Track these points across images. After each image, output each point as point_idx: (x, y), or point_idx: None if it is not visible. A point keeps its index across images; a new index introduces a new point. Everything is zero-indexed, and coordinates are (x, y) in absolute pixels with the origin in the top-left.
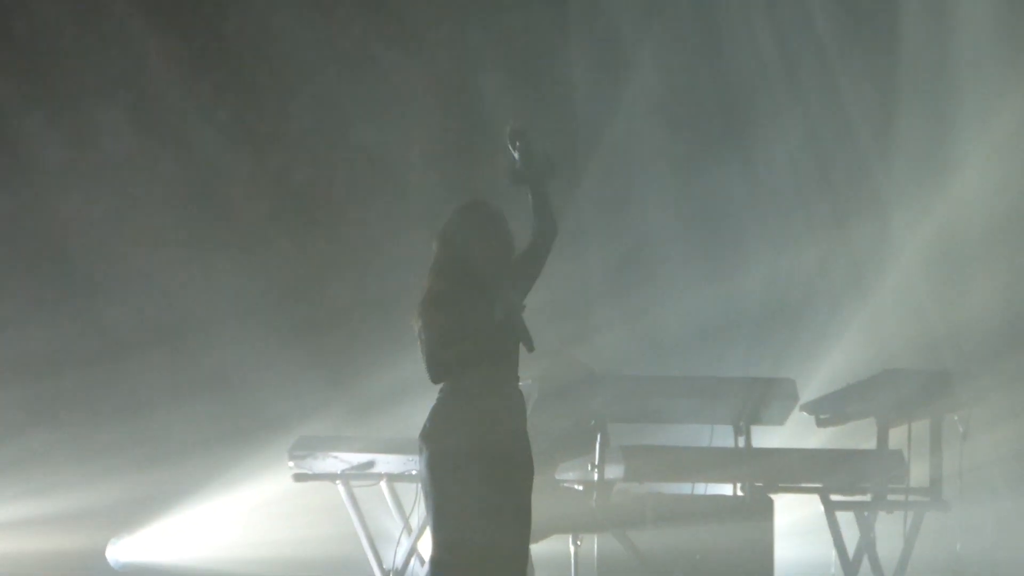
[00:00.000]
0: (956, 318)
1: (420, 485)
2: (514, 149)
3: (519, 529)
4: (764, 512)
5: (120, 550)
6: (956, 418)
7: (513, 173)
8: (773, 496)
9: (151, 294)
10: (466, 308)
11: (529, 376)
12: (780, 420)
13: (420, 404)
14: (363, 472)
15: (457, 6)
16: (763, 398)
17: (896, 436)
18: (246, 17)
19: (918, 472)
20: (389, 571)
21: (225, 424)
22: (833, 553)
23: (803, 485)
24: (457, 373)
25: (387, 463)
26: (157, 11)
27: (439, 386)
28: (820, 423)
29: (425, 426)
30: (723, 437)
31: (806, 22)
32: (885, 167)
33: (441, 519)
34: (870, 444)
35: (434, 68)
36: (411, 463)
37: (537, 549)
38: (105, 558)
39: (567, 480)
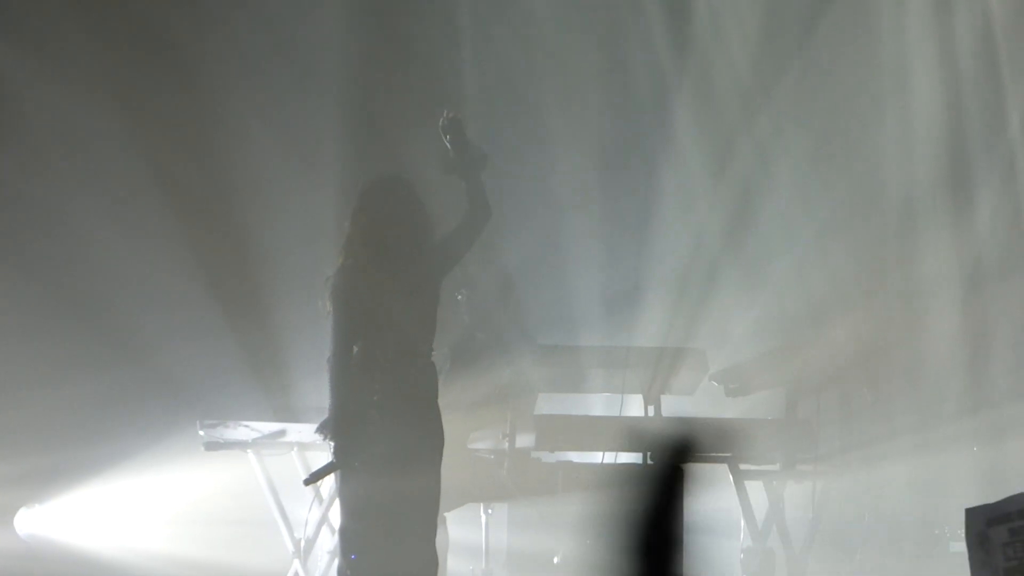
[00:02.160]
0: (868, 287)
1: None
2: (447, 139)
3: (427, 499)
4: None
5: (29, 519)
6: (865, 389)
7: (445, 162)
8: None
9: (66, 265)
10: (375, 289)
11: (444, 346)
12: (690, 389)
13: None
14: (274, 441)
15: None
16: (673, 368)
17: (805, 406)
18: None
19: (826, 441)
20: (300, 539)
21: (136, 394)
22: (743, 521)
23: (712, 455)
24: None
25: (298, 432)
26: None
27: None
28: (730, 392)
29: (334, 403)
30: (633, 406)
31: None
32: (796, 133)
33: (349, 489)
34: (779, 414)
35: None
36: None
37: (450, 516)
38: (12, 526)
39: (479, 449)
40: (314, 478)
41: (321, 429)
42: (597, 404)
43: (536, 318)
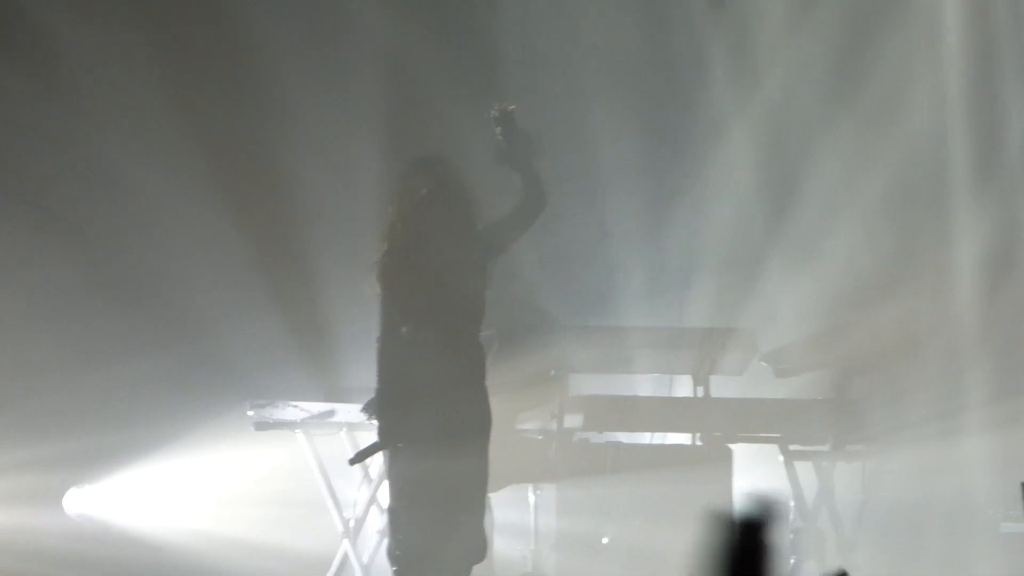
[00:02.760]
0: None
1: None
2: (497, 131)
3: (475, 479)
4: (723, 462)
5: (79, 499)
6: (914, 368)
7: (497, 153)
8: (732, 446)
9: (113, 244)
10: (418, 274)
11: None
12: (739, 370)
13: None
14: (323, 421)
15: None
16: (723, 348)
17: (855, 386)
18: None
19: (876, 422)
20: (350, 519)
21: (186, 374)
22: (792, 503)
23: (762, 435)
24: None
25: (347, 412)
26: None
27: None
28: (779, 373)
29: (379, 385)
30: (683, 387)
31: None
32: (842, 114)
33: (397, 469)
34: (829, 394)
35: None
36: None
37: (497, 497)
38: (61, 505)
39: (527, 430)
40: (359, 458)
41: (367, 408)
42: (646, 385)
43: (585, 299)
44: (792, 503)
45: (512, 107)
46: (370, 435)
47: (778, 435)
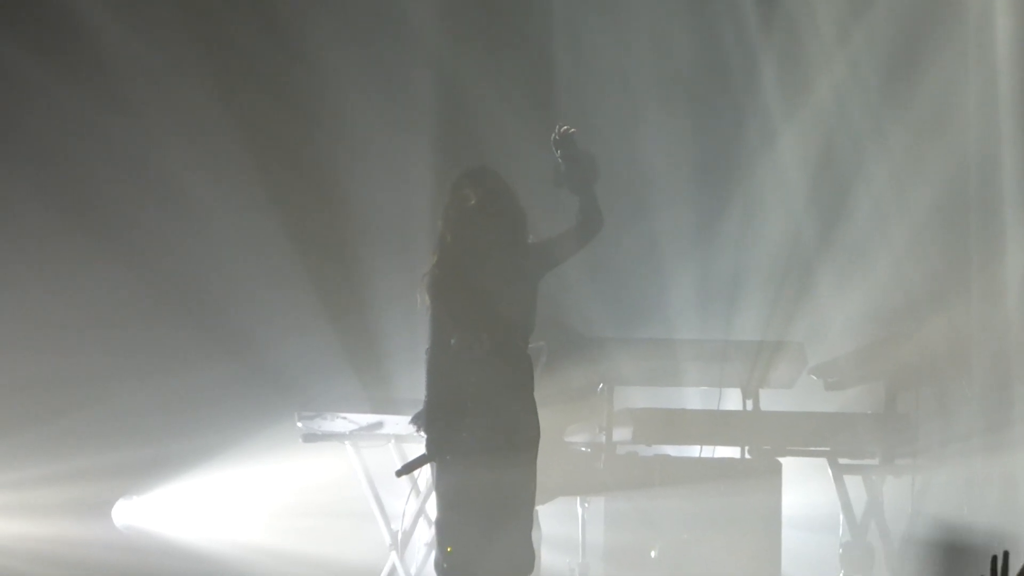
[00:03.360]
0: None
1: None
2: (558, 153)
3: (523, 492)
4: (772, 475)
5: (127, 510)
6: (964, 383)
7: (557, 176)
8: (781, 459)
9: (164, 257)
10: (467, 286)
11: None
12: (789, 383)
13: None
14: (372, 433)
15: None
16: (772, 361)
17: (904, 400)
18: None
19: (925, 436)
20: (397, 532)
21: (234, 386)
22: (841, 516)
23: (811, 449)
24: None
25: (395, 424)
26: None
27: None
28: (829, 386)
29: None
30: (731, 400)
31: None
32: (892, 128)
33: (445, 481)
34: (878, 408)
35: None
36: None
37: (545, 510)
38: (110, 516)
39: (575, 442)
40: (406, 470)
41: (415, 420)
42: (695, 398)
43: (633, 311)
44: (841, 517)
45: (573, 130)
46: (418, 447)
47: (827, 449)
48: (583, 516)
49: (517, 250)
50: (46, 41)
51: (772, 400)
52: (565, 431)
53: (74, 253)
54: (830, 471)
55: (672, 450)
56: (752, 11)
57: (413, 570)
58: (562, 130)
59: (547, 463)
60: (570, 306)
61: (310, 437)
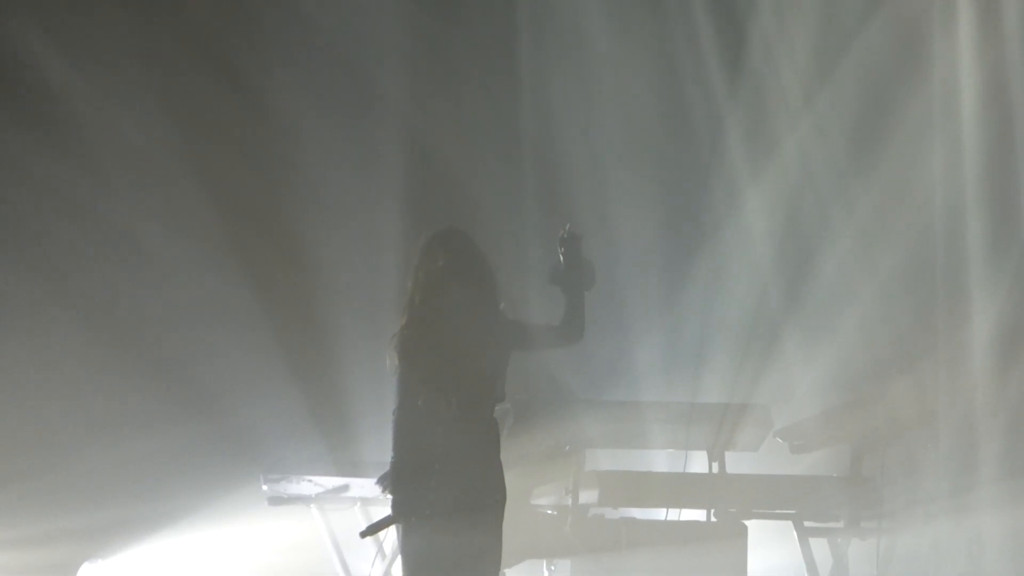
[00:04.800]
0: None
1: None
2: (561, 251)
3: (489, 555)
4: (738, 538)
5: (92, 574)
6: (929, 446)
7: (553, 274)
8: (747, 522)
9: (130, 315)
10: (436, 347)
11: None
12: (754, 446)
13: None
14: (337, 496)
15: None
16: (737, 424)
17: (870, 463)
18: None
19: (891, 499)
20: None
21: (199, 449)
22: None
23: (777, 511)
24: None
25: (361, 487)
26: None
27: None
28: (794, 449)
29: (394, 458)
30: (697, 463)
31: None
32: (858, 189)
33: (410, 544)
34: (844, 471)
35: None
36: None
37: (512, 573)
38: None
39: (542, 505)
40: (371, 531)
41: (381, 481)
42: (661, 460)
43: (599, 373)
44: None
45: (582, 234)
46: (384, 510)
47: (793, 512)
48: None
49: (487, 312)
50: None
51: (738, 463)
52: (531, 493)
53: (36, 314)
54: (795, 534)
55: (638, 513)
56: (718, 73)
57: None
58: (571, 230)
59: (513, 525)
60: (537, 369)
61: (276, 500)
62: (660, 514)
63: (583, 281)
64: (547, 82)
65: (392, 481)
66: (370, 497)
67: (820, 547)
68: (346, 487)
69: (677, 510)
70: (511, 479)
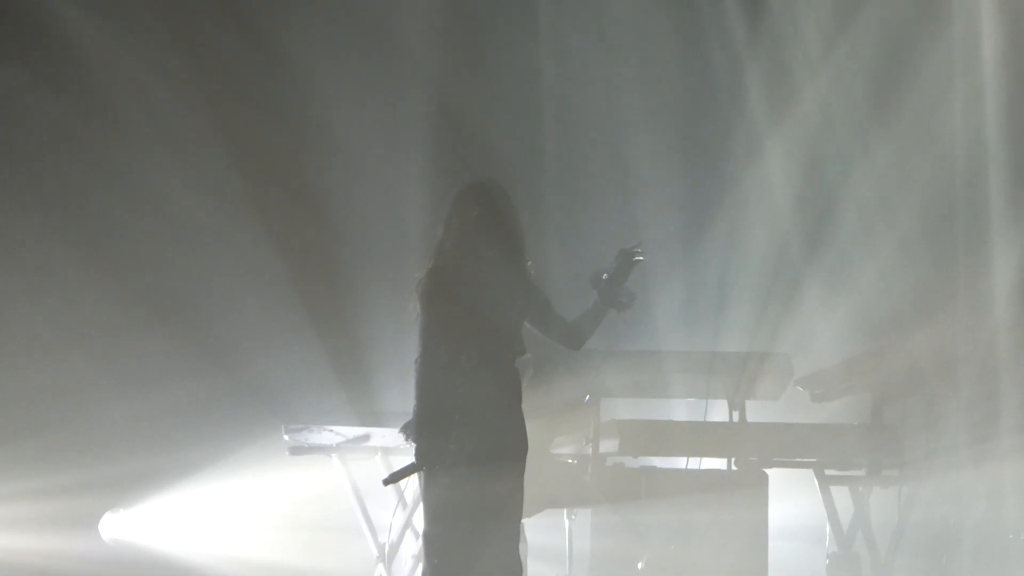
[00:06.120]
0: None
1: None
2: (616, 261)
3: (510, 504)
4: (759, 486)
5: (114, 524)
6: (950, 393)
7: (595, 279)
8: (768, 471)
9: (153, 269)
10: (461, 295)
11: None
12: (775, 395)
13: None
14: (358, 445)
15: None
16: (758, 373)
17: (891, 411)
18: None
19: (912, 447)
20: (384, 544)
21: (221, 399)
22: (828, 527)
23: (798, 460)
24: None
25: (382, 436)
26: None
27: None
28: (815, 398)
29: (417, 407)
30: (718, 412)
31: None
32: (880, 140)
33: (432, 493)
34: (865, 419)
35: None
36: None
37: (532, 522)
38: (97, 530)
39: (562, 454)
40: (393, 478)
41: (404, 430)
42: (681, 410)
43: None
44: (828, 528)
45: (642, 257)
46: (405, 459)
47: (814, 460)
48: (570, 528)
49: (514, 266)
50: (30, 50)
51: (758, 412)
52: (552, 443)
53: (59, 266)
54: (816, 482)
55: (659, 462)
56: (738, 23)
57: None
58: (635, 248)
59: (534, 475)
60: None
61: (297, 450)
62: (680, 463)
63: (620, 301)
64: (568, 34)
65: (415, 430)
66: (391, 446)
67: (842, 495)
68: (367, 437)
69: (698, 459)
70: (532, 429)
